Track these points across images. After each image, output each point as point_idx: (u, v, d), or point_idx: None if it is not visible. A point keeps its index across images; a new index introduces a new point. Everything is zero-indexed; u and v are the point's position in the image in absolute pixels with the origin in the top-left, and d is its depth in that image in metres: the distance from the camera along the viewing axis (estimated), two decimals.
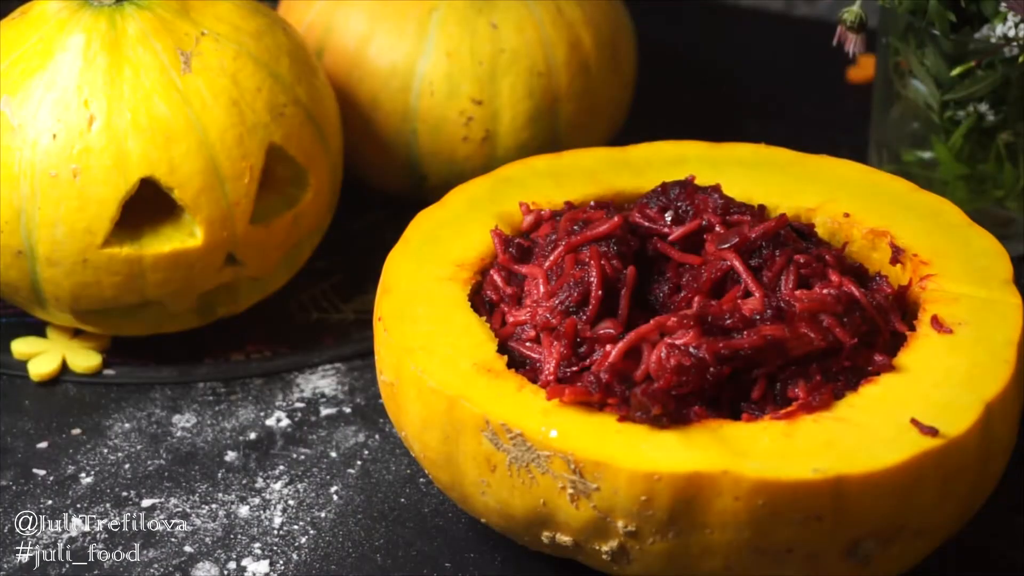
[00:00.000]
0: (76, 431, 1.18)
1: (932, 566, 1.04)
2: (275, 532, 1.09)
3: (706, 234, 1.07)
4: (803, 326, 0.99)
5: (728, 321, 0.99)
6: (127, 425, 1.19)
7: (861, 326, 1.00)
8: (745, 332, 0.99)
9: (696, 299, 1.02)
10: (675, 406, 0.96)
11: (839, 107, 1.53)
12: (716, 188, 1.10)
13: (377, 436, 1.17)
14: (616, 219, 1.06)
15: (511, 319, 1.04)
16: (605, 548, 0.96)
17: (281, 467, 1.15)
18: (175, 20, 1.18)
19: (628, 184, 1.15)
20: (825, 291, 1.01)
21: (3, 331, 1.26)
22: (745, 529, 0.93)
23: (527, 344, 1.03)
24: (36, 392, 1.22)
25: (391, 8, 1.32)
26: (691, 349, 0.97)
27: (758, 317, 0.99)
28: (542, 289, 1.04)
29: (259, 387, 1.22)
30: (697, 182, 1.12)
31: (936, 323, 1.02)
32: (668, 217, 1.09)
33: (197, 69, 1.17)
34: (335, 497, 1.12)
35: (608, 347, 0.99)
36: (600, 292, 1.02)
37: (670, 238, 1.07)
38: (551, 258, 1.06)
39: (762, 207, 1.11)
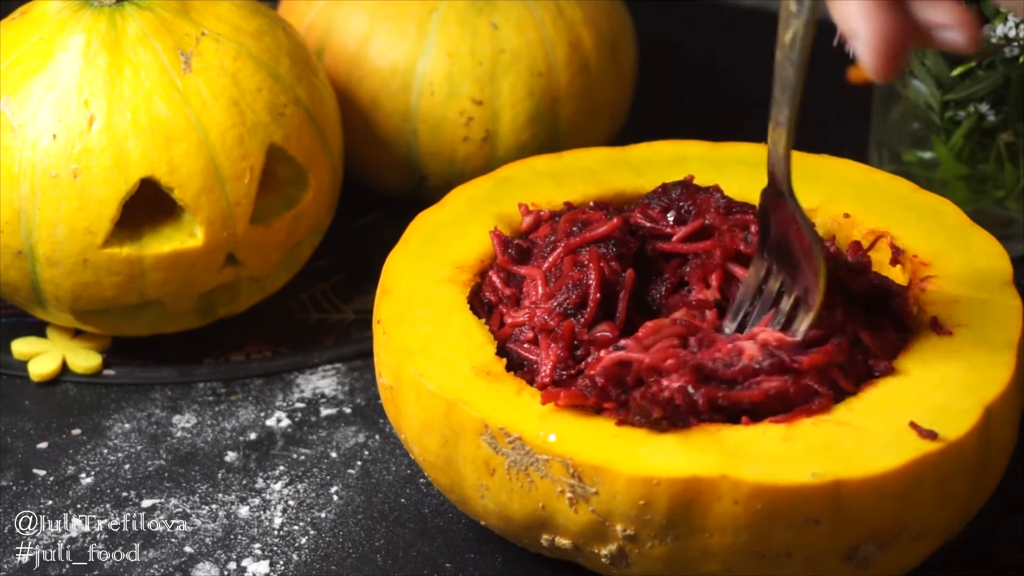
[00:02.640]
0: (76, 431, 1.18)
1: (932, 568, 1.04)
2: (275, 532, 1.10)
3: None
4: (810, 378, 0.97)
5: (726, 372, 0.97)
6: (127, 425, 1.19)
7: (863, 367, 0.99)
8: (746, 382, 0.97)
9: (714, 276, 1.02)
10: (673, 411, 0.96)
11: (839, 107, 1.52)
12: (716, 188, 1.10)
13: (377, 436, 1.17)
14: (615, 220, 1.06)
15: (509, 320, 1.04)
16: (604, 551, 0.96)
17: (281, 467, 1.15)
18: (175, 20, 1.18)
19: (628, 184, 1.15)
20: (833, 342, 0.98)
21: (3, 331, 1.26)
22: (744, 533, 0.93)
23: (525, 346, 1.03)
24: (36, 392, 1.22)
25: (391, 8, 1.31)
26: (689, 389, 0.96)
27: (756, 366, 0.97)
28: (540, 290, 1.04)
29: (259, 387, 1.22)
30: (697, 182, 1.12)
31: (936, 325, 1.02)
32: (671, 217, 1.09)
33: (197, 69, 1.17)
34: (335, 498, 1.12)
35: (603, 353, 0.99)
36: (598, 294, 1.02)
37: (675, 238, 1.07)
38: (550, 259, 1.06)
39: None
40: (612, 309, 1.03)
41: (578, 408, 0.97)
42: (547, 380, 1.00)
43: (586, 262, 1.03)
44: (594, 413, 0.97)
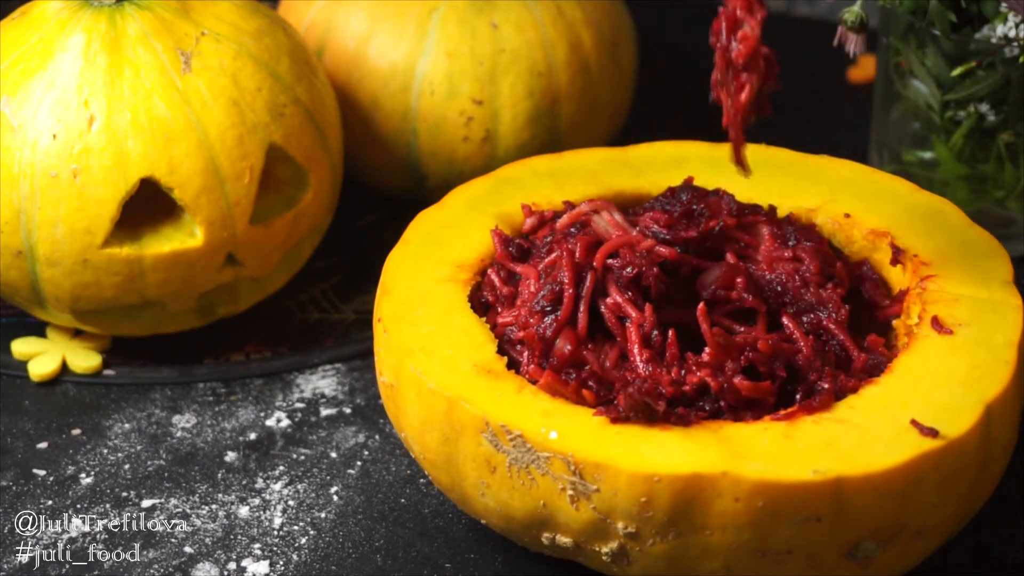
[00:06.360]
0: (76, 431, 1.18)
1: (932, 567, 1.04)
2: (275, 533, 1.09)
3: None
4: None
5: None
6: (127, 425, 1.19)
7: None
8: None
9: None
10: (667, 406, 0.96)
11: (839, 107, 1.52)
12: (723, 191, 1.09)
13: (377, 436, 1.17)
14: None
15: (500, 320, 1.04)
16: (605, 549, 0.96)
17: (281, 467, 1.15)
18: (175, 20, 1.18)
19: (628, 184, 1.15)
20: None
21: (3, 331, 1.26)
22: (745, 530, 0.93)
23: (517, 347, 1.03)
24: (36, 392, 1.22)
25: (391, 8, 1.32)
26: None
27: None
28: (533, 289, 1.04)
29: (259, 387, 1.22)
30: (697, 182, 1.12)
31: (936, 324, 1.02)
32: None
33: (197, 69, 1.17)
34: (335, 498, 1.12)
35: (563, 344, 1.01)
36: (572, 291, 1.02)
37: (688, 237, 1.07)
38: (547, 259, 1.05)
39: (772, 207, 1.11)
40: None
41: (572, 402, 0.97)
42: (528, 379, 1.01)
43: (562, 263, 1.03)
44: (594, 410, 0.97)
